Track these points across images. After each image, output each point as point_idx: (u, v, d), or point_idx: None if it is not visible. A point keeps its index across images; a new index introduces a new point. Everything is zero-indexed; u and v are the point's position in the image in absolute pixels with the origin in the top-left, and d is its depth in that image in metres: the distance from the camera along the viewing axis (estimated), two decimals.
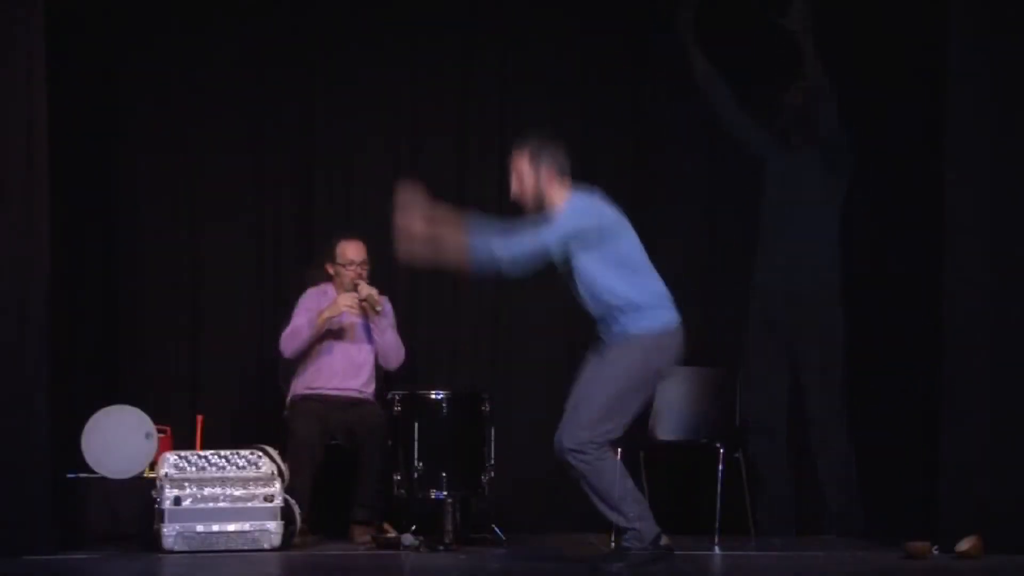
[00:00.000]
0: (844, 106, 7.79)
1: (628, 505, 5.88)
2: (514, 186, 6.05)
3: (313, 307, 7.29)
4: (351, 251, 7.29)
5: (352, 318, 7.26)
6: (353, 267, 7.27)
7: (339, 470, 7.19)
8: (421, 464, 6.93)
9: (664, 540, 5.93)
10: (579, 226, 5.90)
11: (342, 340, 7.27)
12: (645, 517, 5.90)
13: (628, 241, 6.04)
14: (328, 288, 7.38)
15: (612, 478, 5.87)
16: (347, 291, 7.27)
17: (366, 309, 7.23)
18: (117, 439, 7.01)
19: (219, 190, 7.88)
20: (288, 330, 7.25)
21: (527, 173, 6.00)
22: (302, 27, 7.94)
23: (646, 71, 7.99)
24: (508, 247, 5.80)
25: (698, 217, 7.95)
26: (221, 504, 6.62)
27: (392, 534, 6.89)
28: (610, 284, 5.93)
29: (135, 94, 7.85)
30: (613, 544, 6.11)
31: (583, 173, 7.90)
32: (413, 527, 6.85)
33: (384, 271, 7.67)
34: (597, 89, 7.98)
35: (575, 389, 6.02)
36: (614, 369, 5.92)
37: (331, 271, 7.34)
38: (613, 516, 5.89)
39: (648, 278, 6.03)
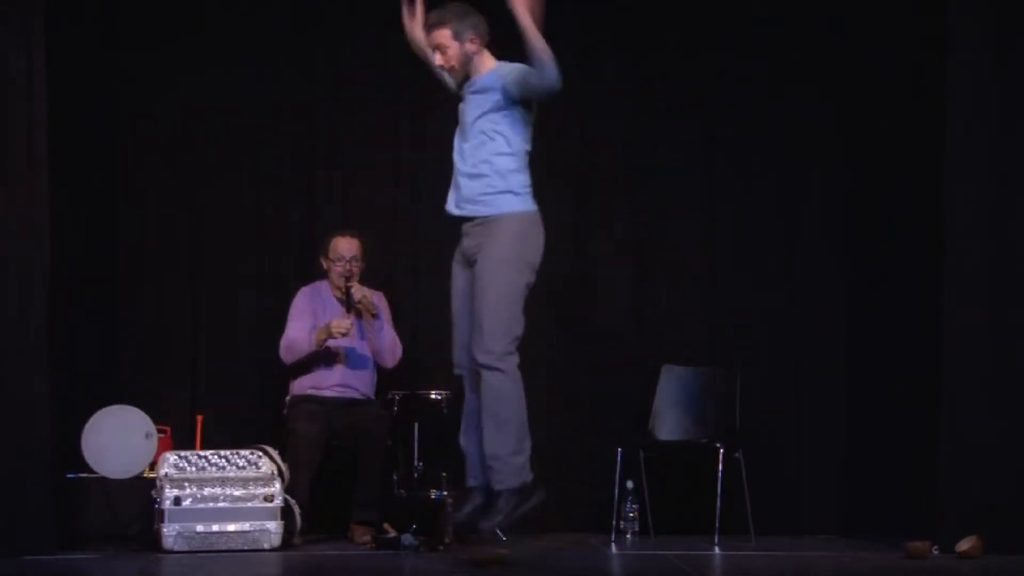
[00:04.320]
0: (843, 108, 7.83)
1: (518, 435, 5.84)
2: (439, 59, 6.00)
3: (307, 308, 7.29)
4: (343, 247, 7.27)
5: (351, 318, 7.24)
6: (343, 263, 7.24)
7: (339, 470, 7.19)
8: (421, 464, 6.93)
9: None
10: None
11: (341, 340, 7.27)
12: (524, 454, 5.86)
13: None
14: (322, 285, 7.38)
15: (515, 402, 5.84)
16: (337, 287, 7.27)
17: (361, 312, 7.23)
18: (117, 439, 7.00)
19: (219, 189, 7.87)
20: (286, 341, 7.24)
21: (452, 46, 5.96)
22: (304, 22, 7.94)
23: (646, 72, 7.98)
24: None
25: (697, 217, 7.95)
26: (221, 504, 6.62)
27: (392, 534, 6.89)
28: (512, 150, 5.91)
29: (137, 93, 7.84)
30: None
31: (581, 169, 7.97)
32: (413, 527, 6.84)
33: (384, 267, 7.68)
34: (596, 88, 7.98)
35: (464, 302, 5.97)
36: (500, 267, 5.84)
37: (325, 265, 7.34)
38: (495, 441, 5.80)
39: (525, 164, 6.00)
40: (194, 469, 6.75)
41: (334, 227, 7.46)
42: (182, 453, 6.83)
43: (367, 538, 6.93)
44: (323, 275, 7.38)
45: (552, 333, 7.77)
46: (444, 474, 6.82)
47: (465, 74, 6.05)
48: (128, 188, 7.81)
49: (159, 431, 7.09)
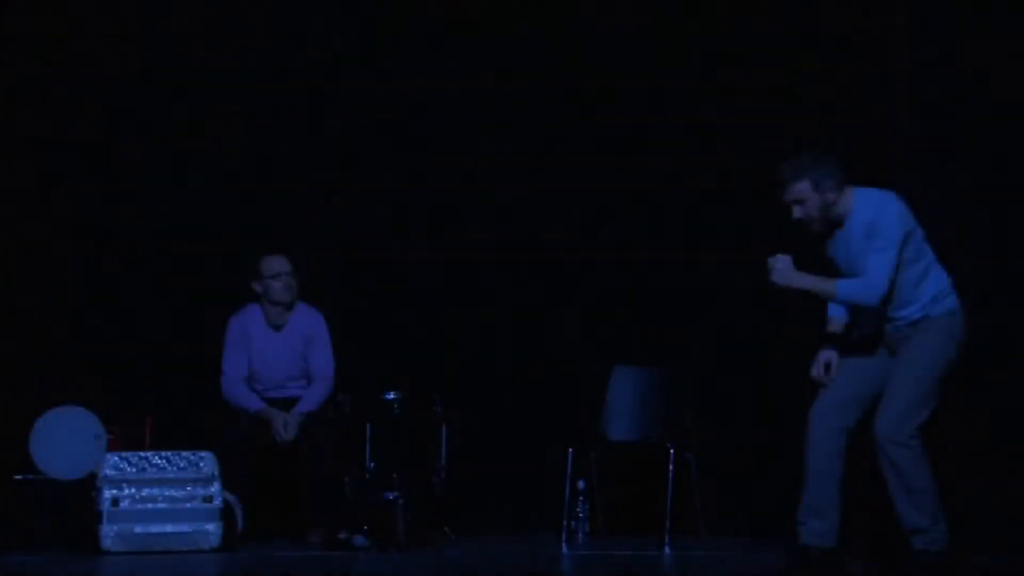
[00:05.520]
0: None
1: (934, 504, 5.68)
2: (797, 213, 5.77)
3: (240, 343, 7.26)
4: (277, 263, 7.24)
5: (281, 346, 7.27)
6: (284, 277, 7.22)
7: (290, 471, 7.19)
8: (372, 465, 6.92)
9: None
10: (901, 235, 5.66)
11: (278, 350, 7.28)
12: (943, 519, 5.69)
13: (920, 231, 5.78)
14: (255, 309, 7.32)
15: (927, 473, 5.67)
16: (281, 302, 7.24)
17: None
18: (66, 441, 7.02)
19: None
20: (226, 384, 7.23)
21: (813, 200, 5.72)
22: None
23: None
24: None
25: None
26: (160, 505, 6.62)
27: (343, 535, 6.86)
28: (919, 277, 5.73)
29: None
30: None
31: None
32: (364, 528, 6.81)
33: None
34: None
35: (876, 379, 5.79)
36: (925, 353, 5.69)
37: (259, 289, 7.29)
38: (915, 516, 5.65)
39: (937, 264, 5.82)
40: (134, 470, 6.72)
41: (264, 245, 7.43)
42: (123, 454, 6.79)
43: (317, 539, 6.93)
44: (255, 300, 7.33)
45: (501, 332, 7.80)
46: (395, 475, 6.81)
47: (828, 222, 5.81)
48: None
49: (108, 433, 7.09)
